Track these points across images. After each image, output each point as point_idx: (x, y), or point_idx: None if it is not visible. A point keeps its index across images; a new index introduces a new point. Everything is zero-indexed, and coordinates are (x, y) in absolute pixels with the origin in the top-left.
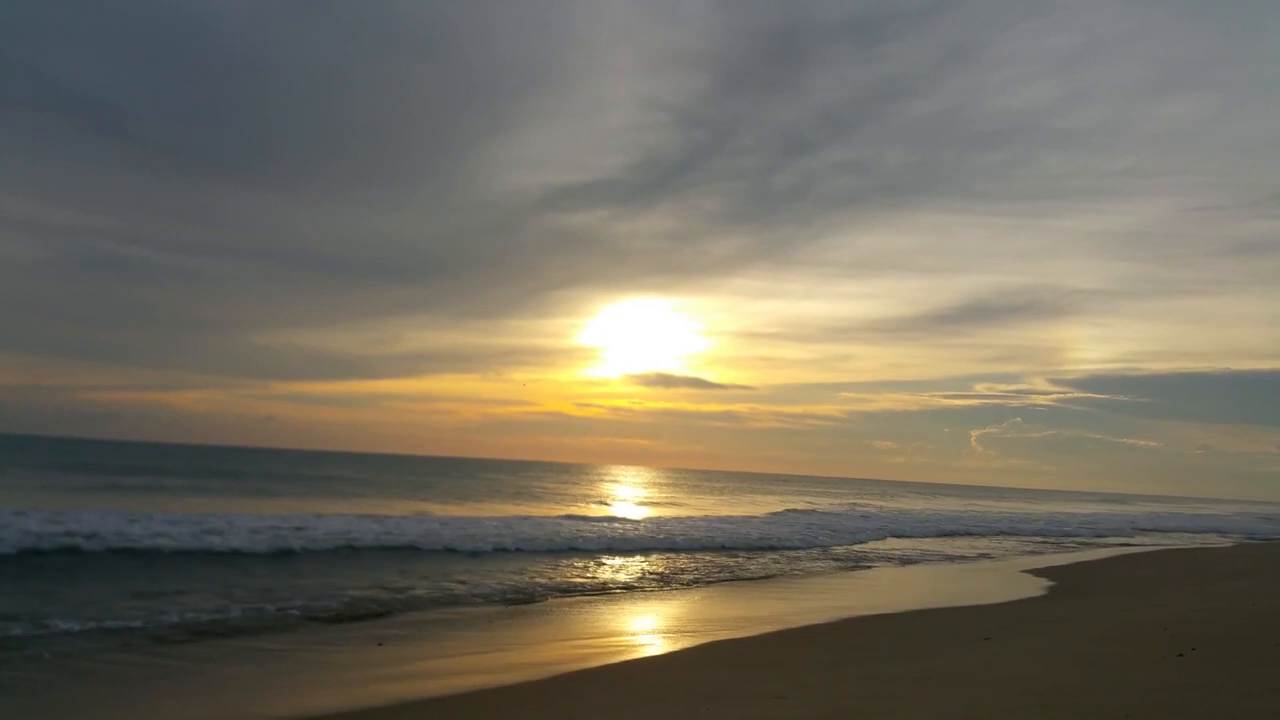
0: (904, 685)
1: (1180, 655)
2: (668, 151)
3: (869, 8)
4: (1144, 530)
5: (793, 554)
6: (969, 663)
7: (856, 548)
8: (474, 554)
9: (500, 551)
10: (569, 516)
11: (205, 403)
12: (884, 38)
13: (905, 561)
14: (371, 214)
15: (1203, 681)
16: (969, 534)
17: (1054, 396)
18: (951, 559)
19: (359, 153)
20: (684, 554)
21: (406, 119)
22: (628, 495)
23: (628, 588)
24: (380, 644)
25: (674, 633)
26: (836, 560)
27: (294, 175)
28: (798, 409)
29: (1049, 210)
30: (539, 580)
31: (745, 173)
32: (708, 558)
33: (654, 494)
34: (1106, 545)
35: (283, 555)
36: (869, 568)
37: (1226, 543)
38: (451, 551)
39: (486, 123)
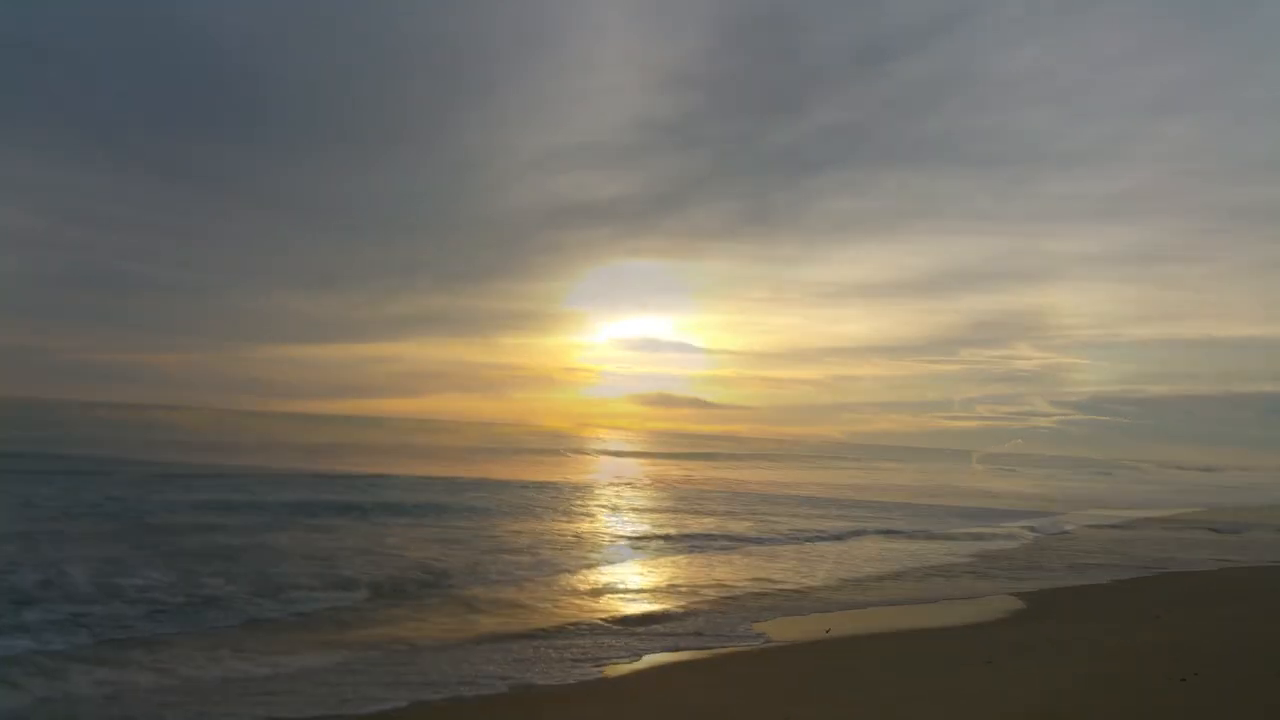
0: (906, 705)
1: (1183, 680)
2: (668, 169)
3: (871, 28)
4: None
5: None
6: (970, 683)
7: None
8: None
9: None
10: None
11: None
12: (886, 58)
13: None
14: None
15: (1205, 705)
16: None
17: (1055, 418)
18: None
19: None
20: None
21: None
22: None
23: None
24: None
25: (676, 647)
26: None
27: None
28: (798, 430)
29: (1049, 232)
30: None
31: (744, 191)
32: None
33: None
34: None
35: None
36: None
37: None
38: None
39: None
